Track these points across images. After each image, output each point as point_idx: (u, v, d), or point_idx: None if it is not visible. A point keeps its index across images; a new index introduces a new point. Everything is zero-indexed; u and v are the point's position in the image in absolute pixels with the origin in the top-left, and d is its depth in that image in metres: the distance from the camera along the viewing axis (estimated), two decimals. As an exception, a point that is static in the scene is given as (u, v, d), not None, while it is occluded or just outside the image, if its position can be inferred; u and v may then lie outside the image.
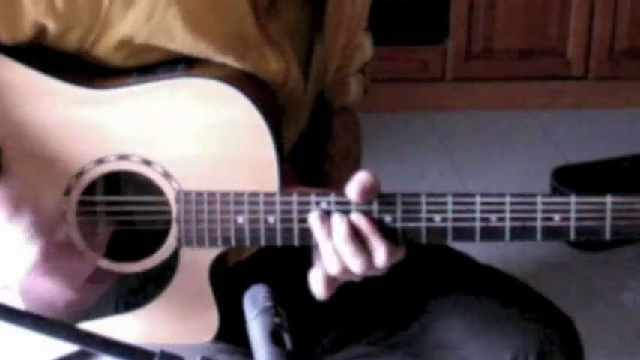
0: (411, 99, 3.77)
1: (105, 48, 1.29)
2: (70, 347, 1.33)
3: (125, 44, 1.29)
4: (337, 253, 1.26)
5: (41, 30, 1.27)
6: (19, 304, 1.32)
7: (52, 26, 1.27)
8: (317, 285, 1.30)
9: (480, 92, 3.82)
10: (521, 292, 1.46)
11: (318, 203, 1.28)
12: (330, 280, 1.29)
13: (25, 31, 1.27)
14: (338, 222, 1.26)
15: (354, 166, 1.49)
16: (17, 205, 1.26)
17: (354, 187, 1.25)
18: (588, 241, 3.19)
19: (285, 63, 1.36)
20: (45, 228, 1.26)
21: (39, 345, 1.34)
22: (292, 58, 1.38)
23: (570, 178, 3.14)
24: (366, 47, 1.55)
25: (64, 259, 1.27)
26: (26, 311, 1.03)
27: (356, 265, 1.26)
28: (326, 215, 1.27)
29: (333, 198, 1.28)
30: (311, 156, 1.48)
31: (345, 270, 1.27)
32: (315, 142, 1.48)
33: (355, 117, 1.57)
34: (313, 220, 1.27)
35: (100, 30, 1.28)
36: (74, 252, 1.30)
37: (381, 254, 1.26)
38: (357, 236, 1.26)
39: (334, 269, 1.27)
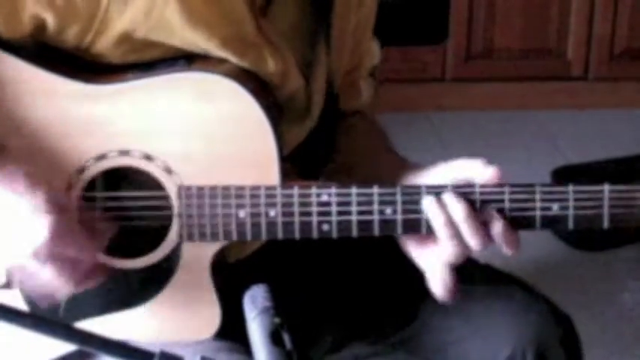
0: (411, 99, 3.77)
1: (104, 44, 1.29)
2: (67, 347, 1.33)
3: (124, 40, 1.29)
4: (457, 235, 1.27)
5: (40, 24, 1.28)
6: (18, 299, 1.32)
7: (50, 21, 1.27)
8: (442, 282, 1.30)
9: (480, 92, 3.82)
10: (519, 289, 1.47)
11: (319, 195, 1.28)
12: (451, 269, 1.30)
13: (24, 25, 1.27)
14: (454, 202, 1.26)
15: (392, 154, 1.50)
16: (33, 180, 1.24)
17: (491, 170, 1.27)
18: (589, 240, 3.17)
19: (283, 64, 1.36)
20: (57, 205, 1.24)
21: (38, 345, 1.34)
22: (291, 60, 1.38)
23: (570, 178, 3.13)
24: (374, 51, 1.56)
25: (70, 244, 1.26)
26: (26, 311, 1.03)
27: (477, 242, 1.27)
28: (440, 198, 1.27)
29: (334, 190, 1.28)
30: (312, 158, 1.48)
31: (464, 252, 1.28)
32: (322, 143, 1.48)
33: (372, 117, 1.58)
34: (429, 204, 1.27)
35: (99, 26, 1.28)
36: (79, 238, 1.28)
37: (497, 228, 1.27)
38: (476, 215, 1.26)
39: (453, 252, 1.28)
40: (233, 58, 1.31)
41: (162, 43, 1.29)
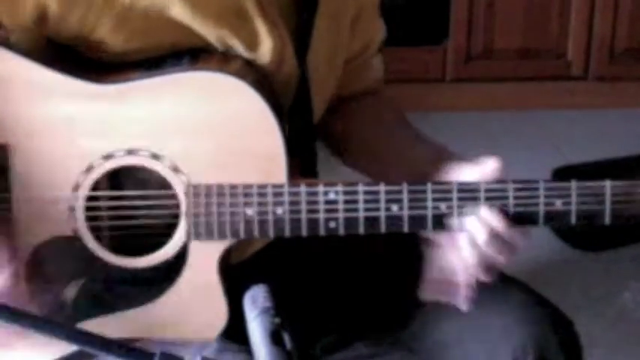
0: (411, 99, 3.76)
1: (105, 29, 1.29)
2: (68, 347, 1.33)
3: (124, 22, 1.29)
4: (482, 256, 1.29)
5: (43, 12, 1.28)
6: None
7: (53, 6, 1.27)
8: (466, 287, 1.32)
9: (480, 93, 3.82)
10: (520, 292, 1.47)
11: (326, 193, 1.29)
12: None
13: (27, 13, 1.28)
14: (478, 229, 1.28)
15: (421, 143, 1.50)
16: None
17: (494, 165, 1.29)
18: (589, 240, 3.16)
19: (280, 43, 1.36)
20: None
21: (39, 345, 1.34)
22: (287, 40, 1.38)
23: (570, 179, 3.13)
24: (381, 27, 1.57)
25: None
26: (26, 311, 1.03)
27: (502, 260, 1.29)
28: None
29: (340, 188, 1.29)
30: (309, 148, 1.48)
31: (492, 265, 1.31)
32: (314, 135, 1.48)
33: (385, 95, 1.59)
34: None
35: (100, 8, 1.28)
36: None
37: (519, 244, 1.29)
38: (497, 237, 1.28)
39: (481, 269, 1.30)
40: (227, 36, 1.31)
41: (163, 20, 1.29)
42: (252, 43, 1.34)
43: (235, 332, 1.27)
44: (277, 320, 1.03)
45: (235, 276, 1.35)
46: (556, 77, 3.84)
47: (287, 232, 1.30)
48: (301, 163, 1.42)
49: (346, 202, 1.29)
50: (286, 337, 1.02)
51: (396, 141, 1.48)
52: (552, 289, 1.59)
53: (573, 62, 3.83)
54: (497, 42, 3.79)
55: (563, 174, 3.21)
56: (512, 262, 1.34)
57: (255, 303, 1.06)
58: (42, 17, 1.29)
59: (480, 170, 1.31)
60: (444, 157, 1.39)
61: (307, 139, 1.47)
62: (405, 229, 1.29)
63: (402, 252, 1.41)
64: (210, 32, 1.32)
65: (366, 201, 1.29)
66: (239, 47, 1.33)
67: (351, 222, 1.29)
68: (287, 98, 1.40)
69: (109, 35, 1.30)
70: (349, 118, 1.53)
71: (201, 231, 1.30)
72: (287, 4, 1.40)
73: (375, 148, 1.49)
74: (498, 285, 1.47)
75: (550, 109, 3.81)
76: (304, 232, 1.30)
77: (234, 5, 1.33)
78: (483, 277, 1.31)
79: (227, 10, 1.32)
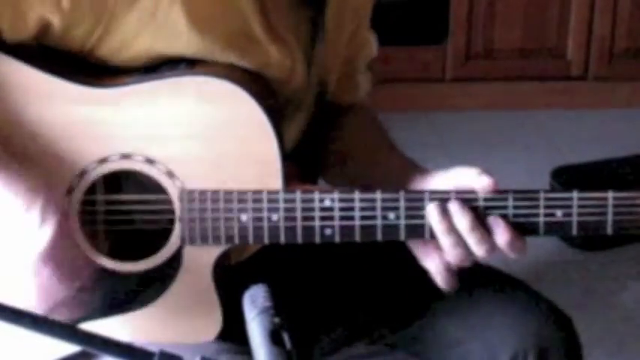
0: (411, 99, 3.77)
1: (108, 48, 1.29)
2: (70, 348, 1.33)
3: (129, 45, 1.29)
4: (461, 244, 1.27)
5: (45, 27, 1.27)
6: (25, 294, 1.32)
7: (56, 23, 1.27)
8: (443, 278, 1.31)
9: (480, 92, 3.82)
10: (520, 291, 1.47)
11: (321, 200, 1.28)
12: (453, 269, 1.30)
13: (29, 27, 1.27)
14: (459, 212, 1.26)
15: (396, 155, 1.49)
16: (33, 188, 1.25)
17: (485, 179, 1.27)
18: (589, 240, 3.16)
19: (290, 59, 1.36)
20: (58, 208, 1.25)
21: (40, 346, 1.34)
22: (298, 54, 1.38)
23: (570, 178, 3.14)
24: (371, 44, 1.55)
25: (70, 246, 1.26)
26: (26, 311, 1.02)
27: (482, 252, 1.27)
28: (444, 207, 1.26)
29: (336, 195, 1.28)
30: (311, 155, 1.48)
31: (468, 258, 1.29)
32: (315, 141, 1.48)
33: (372, 111, 1.57)
34: (432, 212, 1.27)
35: (104, 28, 1.28)
36: (79, 242, 1.30)
37: (503, 237, 1.27)
38: (480, 224, 1.26)
39: (457, 259, 1.28)
40: (238, 59, 1.31)
41: (169, 45, 1.29)
42: (262, 64, 1.33)
43: (234, 332, 1.27)
44: (277, 320, 1.03)
45: (234, 276, 1.35)
46: (555, 77, 3.84)
47: (282, 239, 1.29)
48: (303, 171, 1.42)
49: (342, 209, 1.28)
50: (286, 337, 1.02)
51: (370, 156, 1.48)
52: (552, 288, 1.59)
53: (573, 62, 3.83)
54: (497, 42, 3.79)
55: (562, 174, 3.21)
56: (512, 262, 1.34)
57: (255, 303, 1.06)
58: (44, 32, 1.28)
59: (450, 179, 1.30)
60: (417, 169, 1.38)
61: (315, 146, 1.47)
62: (402, 237, 1.29)
63: (402, 252, 1.41)
64: (218, 54, 1.31)
65: (362, 209, 1.28)
66: (248, 67, 1.33)
67: (346, 230, 1.29)
68: (295, 106, 1.40)
69: (111, 53, 1.30)
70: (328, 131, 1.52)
71: (196, 236, 1.30)
72: (297, 17, 1.40)
73: (349, 161, 1.48)
74: (498, 284, 1.47)
75: (550, 109, 3.81)
76: (299, 239, 1.29)
77: (242, 29, 1.32)
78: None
79: (235, 34, 1.31)
